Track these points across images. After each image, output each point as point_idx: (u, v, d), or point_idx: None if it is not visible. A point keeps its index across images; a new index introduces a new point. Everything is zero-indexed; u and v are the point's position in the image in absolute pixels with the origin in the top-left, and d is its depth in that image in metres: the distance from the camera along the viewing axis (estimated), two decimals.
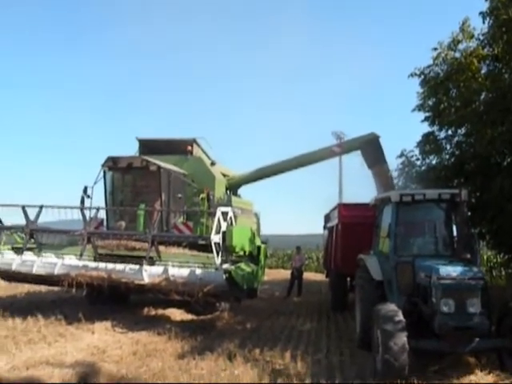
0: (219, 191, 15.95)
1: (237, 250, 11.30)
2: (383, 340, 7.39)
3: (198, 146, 16.71)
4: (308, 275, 26.27)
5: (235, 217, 12.29)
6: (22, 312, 11.91)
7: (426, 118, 15.24)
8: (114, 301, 13.40)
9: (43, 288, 16.21)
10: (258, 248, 13.01)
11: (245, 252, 12.03)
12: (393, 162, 16.95)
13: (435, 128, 15.15)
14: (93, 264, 11.78)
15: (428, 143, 15.22)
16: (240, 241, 11.22)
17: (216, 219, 10.77)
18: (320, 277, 26.22)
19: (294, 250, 23.18)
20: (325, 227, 19.78)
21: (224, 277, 10.42)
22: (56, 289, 14.87)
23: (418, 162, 15.89)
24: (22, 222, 12.64)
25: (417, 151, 15.78)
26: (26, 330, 10.47)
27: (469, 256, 8.46)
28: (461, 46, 14.25)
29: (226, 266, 10.83)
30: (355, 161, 19.33)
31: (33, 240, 12.78)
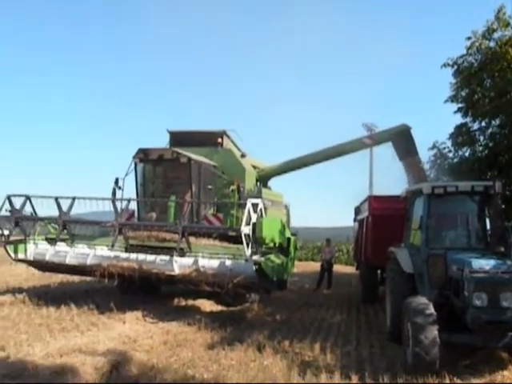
0: (249, 183, 15.97)
1: (267, 241, 11.26)
2: (414, 333, 7.34)
3: (228, 137, 16.72)
4: (338, 268, 26.19)
5: (265, 208, 12.28)
6: (56, 301, 12.15)
7: (459, 109, 15.00)
8: (145, 291, 13.57)
9: (76, 278, 16.51)
10: (288, 240, 12.96)
11: (275, 244, 12.01)
12: (424, 154, 16.76)
13: (468, 119, 14.89)
14: (124, 255, 11.91)
15: (461, 135, 15.00)
16: (270, 232, 11.20)
17: (246, 211, 10.74)
18: (350, 269, 26.11)
19: (324, 243, 23.09)
20: (355, 219, 19.64)
21: (254, 268, 10.40)
22: (88, 279, 15.09)
23: (451, 154, 15.70)
24: (55, 213, 12.83)
25: (449, 143, 15.58)
26: (60, 318, 10.68)
27: (502, 249, 8.30)
28: (496, 35, 13.98)
29: (255, 257, 10.81)
30: (387, 153, 19.12)
31: (66, 231, 12.97)
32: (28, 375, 6.80)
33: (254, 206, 11.06)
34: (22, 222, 13.15)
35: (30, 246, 13.13)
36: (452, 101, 15.32)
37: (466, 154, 15.18)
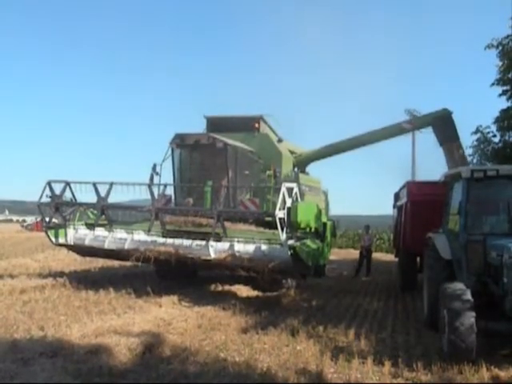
0: (286, 168, 15.85)
1: (302, 226, 11.12)
2: (449, 320, 7.14)
3: (265, 122, 16.61)
4: (378, 255, 25.95)
5: (302, 194, 12.15)
6: (95, 285, 12.45)
7: (504, 92, 14.50)
8: (182, 277, 13.70)
9: (115, 263, 16.85)
10: (324, 225, 12.82)
11: (310, 228, 11.91)
12: (467, 139, 16.29)
13: None
14: (161, 239, 12.03)
15: (507, 119, 14.51)
16: (305, 217, 11.05)
17: (281, 195, 10.66)
18: (390, 257, 25.78)
19: (363, 230, 22.85)
20: (394, 206, 19.31)
21: (289, 253, 10.35)
22: (127, 264, 15.36)
23: (495, 139, 15.22)
24: (94, 199, 12.97)
25: (494, 127, 15.10)
26: (98, 301, 10.91)
27: None
28: None
29: (291, 242, 10.74)
30: (429, 138, 18.64)
31: (104, 216, 13.15)
32: (64, 354, 6.93)
33: (289, 190, 10.95)
34: (62, 208, 13.40)
35: (70, 231, 13.39)
36: (498, 83, 14.80)
37: (511, 139, 14.71)
